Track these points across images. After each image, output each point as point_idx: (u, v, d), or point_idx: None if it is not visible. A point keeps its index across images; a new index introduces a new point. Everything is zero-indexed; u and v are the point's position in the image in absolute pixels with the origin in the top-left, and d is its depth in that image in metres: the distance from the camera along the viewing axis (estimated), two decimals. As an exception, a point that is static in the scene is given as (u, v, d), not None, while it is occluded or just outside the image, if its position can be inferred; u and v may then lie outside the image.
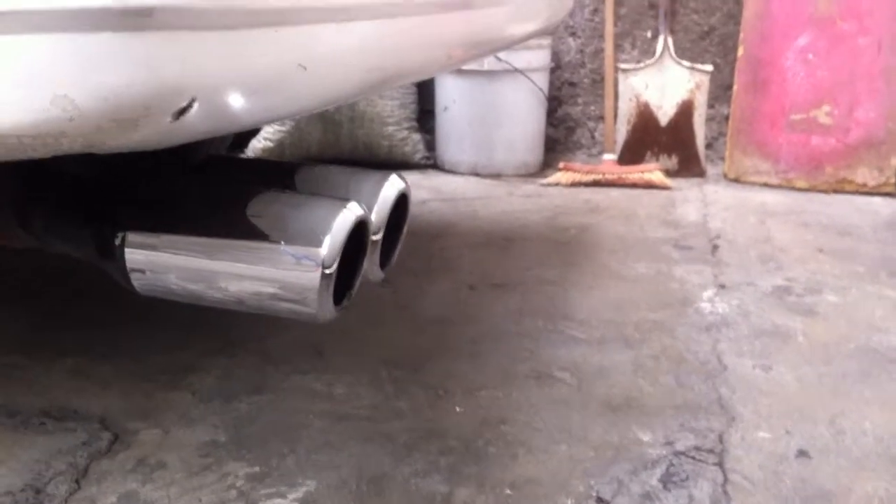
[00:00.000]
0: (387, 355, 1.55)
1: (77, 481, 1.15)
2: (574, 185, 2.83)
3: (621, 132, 3.00)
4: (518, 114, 2.95)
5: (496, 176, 2.98)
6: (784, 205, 2.70)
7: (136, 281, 0.77)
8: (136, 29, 0.49)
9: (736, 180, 2.97)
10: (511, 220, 2.47)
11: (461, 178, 2.99)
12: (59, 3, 0.48)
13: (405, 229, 0.94)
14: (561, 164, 2.91)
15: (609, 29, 2.99)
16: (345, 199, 0.74)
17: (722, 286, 1.96)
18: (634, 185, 2.82)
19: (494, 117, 2.94)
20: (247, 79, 0.57)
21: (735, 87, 2.99)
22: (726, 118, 3.10)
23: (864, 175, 2.86)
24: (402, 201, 0.89)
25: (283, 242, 0.70)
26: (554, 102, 3.22)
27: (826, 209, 2.67)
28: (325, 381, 1.45)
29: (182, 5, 0.50)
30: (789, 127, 2.93)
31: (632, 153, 2.97)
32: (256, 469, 1.19)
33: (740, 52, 2.99)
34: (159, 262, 0.74)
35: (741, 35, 2.98)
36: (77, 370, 1.48)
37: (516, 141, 2.99)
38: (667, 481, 1.20)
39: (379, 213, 0.82)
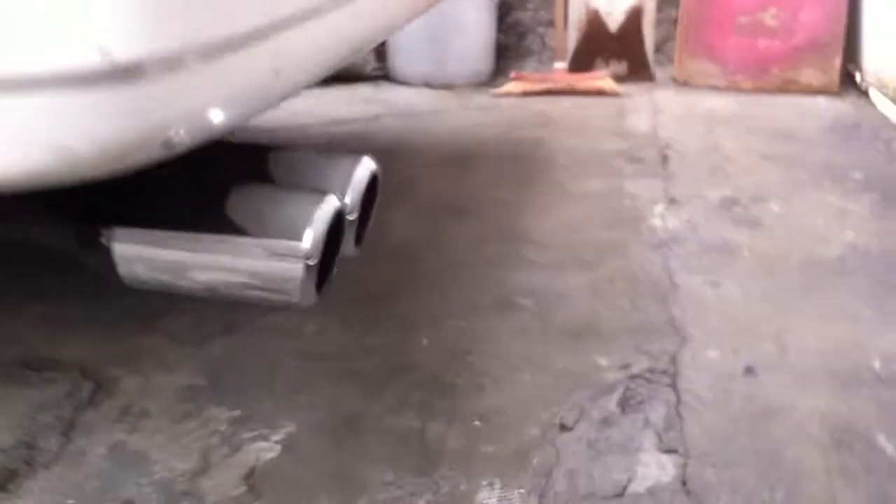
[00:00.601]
0: (352, 291, 1.60)
1: (66, 434, 1.20)
2: (526, 94, 2.85)
3: (571, 39, 3.01)
4: (469, 23, 2.95)
5: (448, 87, 2.99)
6: (731, 110, 2.76)
7: (123, 274, 0.80)
8: (126, 82, 0.51)
9: (685, 83, 3.01)
10: (465, 137, 2.50)
11: (413, 89, 2.99)
12: (55, 67, 0.50)
13: (376, 205, 0.97)
14: (512, 74, 2.93)
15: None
16: (322, 192, 0.77)
17: (672, 200, 2.03)
18: (586, 93, 2.86)
19: (446, 27, 2.93)
20: (228, 96, 0.60)
21: (683, -9, 3.01)
22: (674, 21, 3.12)
23: (809, 76, 2.92)
24: (373, 181, 0.93)
25: (266, 237, 0.74)
26: (503, 8, 3.21)
27: (772, 112, 2.74)
28: (294, 320, 1.50)
29: (166, 54, 0.52)
30: (737, 30, 2.97)
31: (582, 60, 3.00)
32: (237, 413, 1.25)
33: (688, -47, 3.00)
34: (146, 256, 0.77)
35: (689, -64, 2.98)
36: (48, 317, 1.51)
37: (468, 50, 2.99)
38: (624, 405, 1.28)
39: (353, 195, 0.86)
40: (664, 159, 2.30)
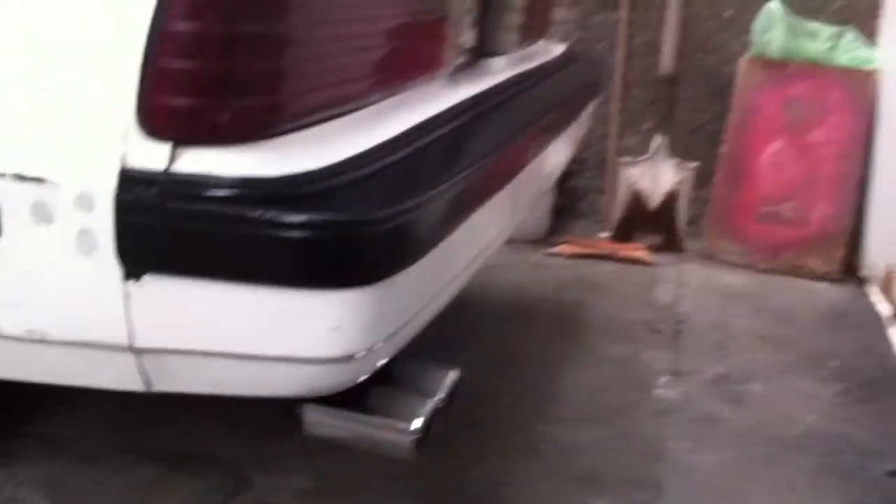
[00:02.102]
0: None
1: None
2: (574, 256, 3.42)
3: (617, 211, 3.59)
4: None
5: (510, 241, 3.56)
6: (745, 288, 3.29)
7: (307, 430, 1.34)
8: (342, 363, 1.08)
9: (710, 258, 3.55)
10: (520, 292, 3.07)
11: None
12: (307, 354, 1.09)
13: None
14: (565, 238, 3.50)
15: (613, 130, 3.58)
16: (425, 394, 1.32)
17: (676, 373, 2.55)
18: (625, 261, 3.42)
19: (512, 191, 3.52)
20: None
21: (716, 180, 3.58)
22: (707, 201, 3.67)
23: (815, 263, 3.44)
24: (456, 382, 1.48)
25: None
26: (564, 173, 3.80)
27: (778, 294, 3.26)
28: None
29: (370, 347, 1.09)
30: (759, 217, 3.52)
31: (624, 231, 3.57)
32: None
33: (723, 149, 3.57)
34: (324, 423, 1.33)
35: (725, 135, 3.56)
36: (223, 416, 2.06)
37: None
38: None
39: (441, 397, 1.40)
40: (677, 333, 2.83)
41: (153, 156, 1.03)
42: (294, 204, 1.03)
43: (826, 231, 3.45)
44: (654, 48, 3.69)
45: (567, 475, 2.00)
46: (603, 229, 3.64)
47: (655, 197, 3.55)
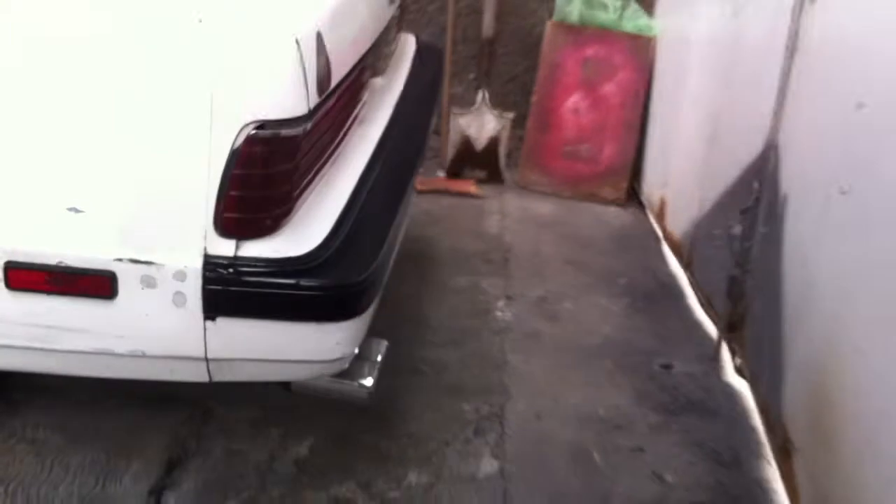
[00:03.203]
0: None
1: None
2: (419, 192, 4.13)
3: (449, 154, 4.32)
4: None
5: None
6: (553, 215, 4.13)
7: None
8: (337, 362, 1.76)
9: (524, 188, 4.37)
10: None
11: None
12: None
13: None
14: (409, 178, 4.20)
15: (446, 83, 4.26)
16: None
17: (508, 297, 3.36)
18: (459, 194, 4.17)
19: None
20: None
21: (528, 124, 4.36)
22: (521, 138, 4.45)
23: (606, 192, 4.33)
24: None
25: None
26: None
27: (578, 219, 4.12)
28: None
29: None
30: (563, 155, 4.34)
31: (457, 168, 4.31)
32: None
33: (533, 99, 4.34)
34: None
35: (535, 87, 4.33)
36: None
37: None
38: (476, 433, 2.60)
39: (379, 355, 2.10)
40: (505, 262, 3.63)
41: (224, 247, 1.66)
42: (308, 273, 1.71)
43: (614, 166, 4.32)
44: (476, 10, 4.36)
45: (441, 388, 2.77)
46: (440, 168, 4.36)
47: (481, 140, 4.30)
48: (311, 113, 1.67)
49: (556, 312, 3.30)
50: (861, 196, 2.10)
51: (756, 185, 2.81)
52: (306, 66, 1.63)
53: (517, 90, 4.48)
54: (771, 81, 2.68)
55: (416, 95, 2.81)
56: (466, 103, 4.38)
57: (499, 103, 4.39)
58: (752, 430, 2.66)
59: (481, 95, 4.32)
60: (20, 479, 2.22)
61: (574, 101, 4.29)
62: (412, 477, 2.39)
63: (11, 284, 1.64)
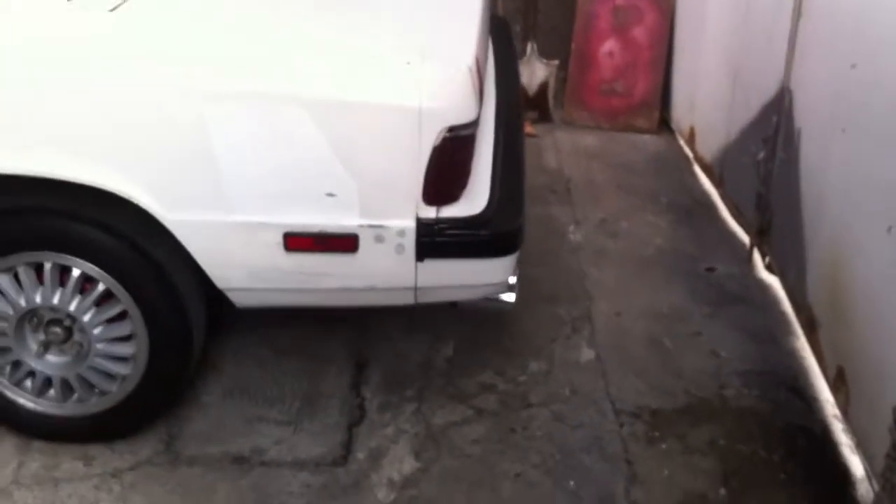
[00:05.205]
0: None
1: None
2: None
3: (506, 99, 5.05)
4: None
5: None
6: (598, 147, 4.88)
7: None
8: (506, 284, 2.57)
9: (569, 124, 5.11)
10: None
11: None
12: None
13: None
14: (474, 124, 4.94)
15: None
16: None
17: (577, 222, 4.13)
18: (516, 135, 4.90)
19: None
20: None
21: (569, 68, 5.08)
22: (564, 80, 5.17)
23: (640, 122, 5.07)
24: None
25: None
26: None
27: (619, 148, 4.87)
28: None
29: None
30: (600, 92, 5.07)
31: (512, 112, 5.05)
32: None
33: (573, 46, 5.05)
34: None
35: (573, 35, 5.03)
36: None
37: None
38: (573, 329, 3.40)
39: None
40: (568, 192, 4.40)
41: (429, 212, 2.43)
42: (483, 225, 2.48)
43: (646, 98, 5.06)
44: (521, -30, 5.05)
45: (539, 298, 3.56)
46: (497, 113, 5.10)
47: (532, 87, 5.03)
48: (478, 117, 2.42)
49: (616, 230, 4.08)
50: (856, 134, 2.84)
51: (775, 118, 3.53)
52: (474, 85, 2.38)
53: (557, 39, 5.18)
54: (780, 38, 3.38)
55: (504, 66, 3.55)
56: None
57: (543, 52, 5.10)
58: (783, 314, 3.45)
59: (531, 47, 5.03)
60: (252, 384, 3.03)
61: (608, 45, 5.00)
62: (533, 365, 3.19)
63: (289, 246, 2.42)
